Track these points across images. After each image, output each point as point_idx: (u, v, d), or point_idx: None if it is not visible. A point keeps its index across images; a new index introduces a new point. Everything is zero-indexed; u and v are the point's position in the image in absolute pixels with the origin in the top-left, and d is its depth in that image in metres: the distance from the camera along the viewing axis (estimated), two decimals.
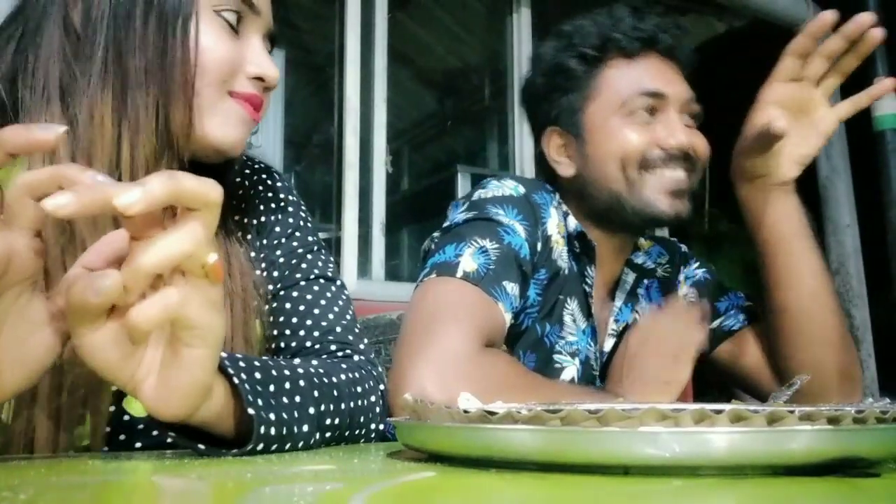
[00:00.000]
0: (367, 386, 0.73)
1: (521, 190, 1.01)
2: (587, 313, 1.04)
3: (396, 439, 0.54)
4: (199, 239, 0.43)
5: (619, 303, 1.08)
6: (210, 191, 0.44)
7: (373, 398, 0.73)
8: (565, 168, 1.05)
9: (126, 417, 0.67)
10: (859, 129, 2.72)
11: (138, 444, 0.68)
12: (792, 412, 0.39)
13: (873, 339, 2.85)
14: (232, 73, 0.71)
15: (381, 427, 0.75)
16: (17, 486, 0.37)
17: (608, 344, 1.08)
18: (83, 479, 0.44)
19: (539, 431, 0.40)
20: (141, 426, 0.68)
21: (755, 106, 0.94)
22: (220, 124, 0.71)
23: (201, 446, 0.54)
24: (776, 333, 1.00)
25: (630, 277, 1.10)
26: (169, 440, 0.66)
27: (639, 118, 1.00)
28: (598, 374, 1.07)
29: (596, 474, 0.39)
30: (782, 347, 1.00)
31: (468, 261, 0.89)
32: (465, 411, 0.44)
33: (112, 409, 0.67)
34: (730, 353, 1.10)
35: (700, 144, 1.02)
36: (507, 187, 1.01)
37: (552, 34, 1.10)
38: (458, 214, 0.99)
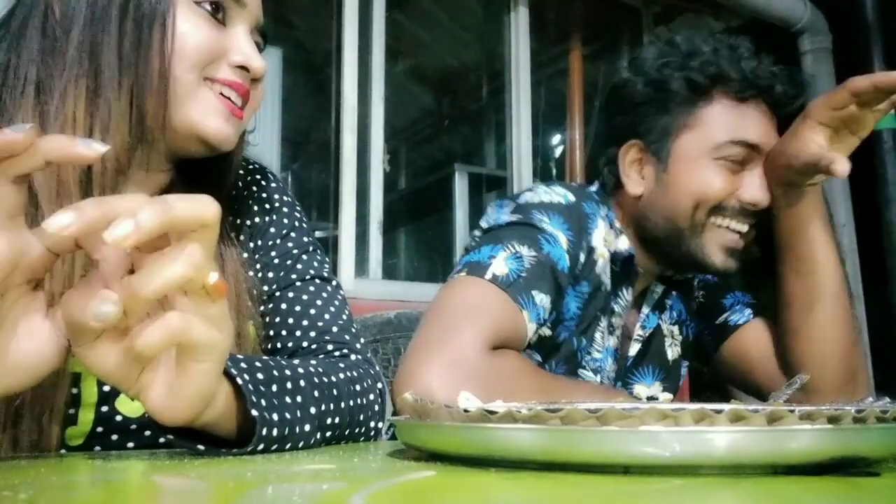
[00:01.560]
0: (365, 384, 0.73)
1: (571, 198, 1.00)
2: (611, 331, 1.04)
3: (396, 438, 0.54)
4: (198, 262, 0.42)
5: (646, 310, 1.09)
6: (205, 211, 0.43)
7: (371, 396, 0.74)
8: (634, 185, 1.03)
9: (118, 418, 0.67)
10: None
11: (130, 445, 0.68)
12: (792, 412, 0.39)
13: (869, 338, 2.85)
14: (212, 61, 0.70)
15: (380, 425, 0.75)
16: (18, 485, 0.37)
17: (633, 349, 1.08)
18: (84, 479, 0.44)
19: (539, 431, 0.40)
20: (133, 426, 0.68)
21: (805, 122, 0.92)
22: (200, 113, 0.70)
23: (201, 447, 0.54)
24: (787, 327, 1.00)
25: (659, 289, 1.10)
26: (162, 440, 0.66)
27: (728, 164, 0.97)
28: (619, 379, 1.08)
29: (596, 474, 0.39)
30: (791, 341, 1.00)
31: (500, 264, 0.88)
32: (466, 410, 0.45)
33: (105, 409, 0.67)
34: (735, 348, 1.10)
35: (766, 205, 1.00)
36: (556, 194, 0.99)
37: (664, 41, 1.06)
38: (501, 215, 0.98)
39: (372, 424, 0.73)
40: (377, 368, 0.79)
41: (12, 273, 0.44)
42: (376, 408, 0.74)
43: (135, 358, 0.45)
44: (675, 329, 1.13)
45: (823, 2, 3.02)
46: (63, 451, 0.65)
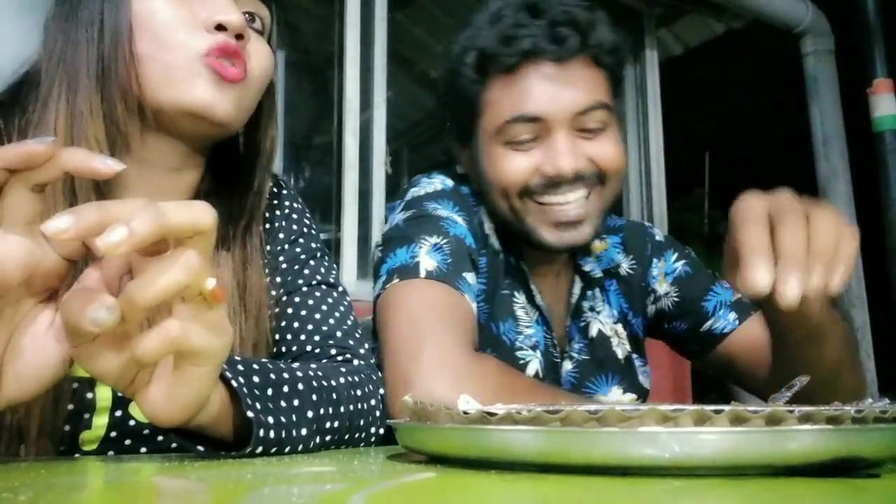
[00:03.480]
0: (366, 389, 0.73)
1: (450, 183, 1.00)
2: (534, 303, 1.01)
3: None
4: (195, 269, 0.42)
5: (568, 321, 1.04)
6: (200, 218, 0.43)
7: (373, 402, 0.73)
8: (476, 184, 1.01)
9: (132, 422, 0.67)
10: (859, 131, 2.73)
11: (143, 449, 0.68)
12: (791, 412, 0.39)
13: (872, 340, 2.85)
14: (189, 31, 0.67)
15: (381, 431, 0.75)
16: (18, 487, 0.37)
17: (567, 366, 1.03)
18: (83, 481, 0.44)
19: (539, 433, 0.40)
20: (146, 431, 0.68)
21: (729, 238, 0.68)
22: (189, 88, 0.67)
23: (200, 448, 0.54)
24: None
25: (577, 288, 1.05)
26: (174, 445, 0.66)
27: (516, 144, 0.92)
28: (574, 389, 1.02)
29: (596, 475, 0.39)
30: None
31: (426, 259, 0.88)
32: (465, 413, 0.44)
33: (118, 413, 0.67)
34: (724, 355, 1.05)
35: (603, 156, 0.92)
36: (437, 182, 1.00)
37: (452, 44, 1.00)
38: (396, 216, 0.97)
39: (373, 430, 0.73)
40: (380, 374, 0.79)
41: (29, 280, 0.44)
42: (377, 413, 0.74)
43: (133, 362, 0.45)
44: (619, 327, 1.08)
45: (826, 3, 3.02)
46: (77, 455, 0.65)
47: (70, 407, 0.64)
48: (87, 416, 0.66)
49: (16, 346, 0.45)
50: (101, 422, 0.66)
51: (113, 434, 0.67)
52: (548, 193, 0.92)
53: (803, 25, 3.01)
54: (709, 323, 1.06)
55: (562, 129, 0.91)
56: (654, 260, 1.11)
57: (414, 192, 0.99)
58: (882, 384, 2.78)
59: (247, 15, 0.73)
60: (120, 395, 0.67)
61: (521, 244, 1.01)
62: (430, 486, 0.40)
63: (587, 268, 1.06)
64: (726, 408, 0.40)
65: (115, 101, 0.67)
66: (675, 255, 1.11)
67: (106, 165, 0.44)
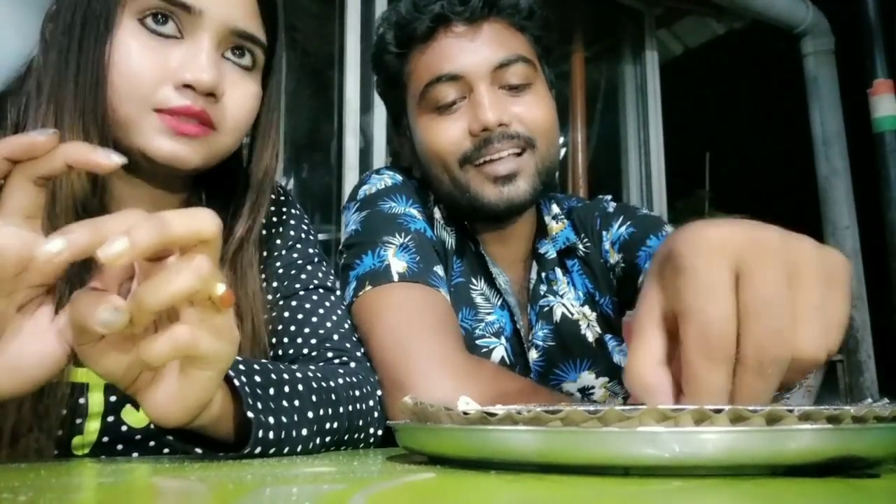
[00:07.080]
0: (364, 390, 0.74)
1: (399, 177, 1.00)
2: (495, 288, 0.99)
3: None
4: (205, 275, 0.42)
5: (528, 309, 1.01)
6: (203, 227, 0.43)
7: (370, 402, 0.74)
8: (416, 170, 1.01)
9: (124, 428, 0.68)
10: (859, 131, 2.73)
11: (135, 455, 0.69)
12: (791, 412, 0.39)
13: (872, 341, 2.85)
14: (153, 86, 0.65)
15: (379, 432, 0.75)
16: (18, 487, 0.37)
17: (532, 355, 0.99)
18: (83, 482, 0.44)
19: (539, 432, 0.40)
20: (138, 437, 0.68)
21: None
22: (148, 139, 0.65)
23: (198, 450, 0.54)
24: None
25: (533, 272, 1.02)
26: (166, 451, 0.67)
27: (446, 108, 0.92)
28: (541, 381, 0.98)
29: (596, 475, 0.39)
30: None
31: (396, 262, 0.87)
32: (465, 413, 0.44)
33: (111, 419, 0.67)
34: None
35: (529, 115, 0.92)
36: (387, 178, 0.99)
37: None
38: (351, 216, 0.97)
39: (371, 430, 0.73)
40: (377, 376, 0.79)
41: (24, 274, 0.44)
42: (375, 414, 0.74)
43: (138, 362, 0.45)
44: (587, 309, 1.03)
45: (826, 4, 3.03)
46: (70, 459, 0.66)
47: (63, 412, 0.64)
48: (79, 420, 0.66)
49: (13, 340, 0.45)
50: (93, 427, 0.67)
51: (105, 439, 0.67)
52: (482, 155, 0.91)
53: (803, 26, 3.01)
54: (640, 280, 0.97)
55: (483, 83, 0.91)
56: (603, 233, 1.06)
57: (366, 189, 0.99)
58: (882, 384, 2.78)
59: (236, 51, 0.70)
60: (112, 400, 0.67)
61: (478, 226, 1.00)
62: (430, 487, 0.40)
63: (542, 250, 1.03)
64: (726, 407, 0.40)
65: (94, 143, 0.65)
66: (620, 219, 1.05)
67: (109, 159, 0.44)
